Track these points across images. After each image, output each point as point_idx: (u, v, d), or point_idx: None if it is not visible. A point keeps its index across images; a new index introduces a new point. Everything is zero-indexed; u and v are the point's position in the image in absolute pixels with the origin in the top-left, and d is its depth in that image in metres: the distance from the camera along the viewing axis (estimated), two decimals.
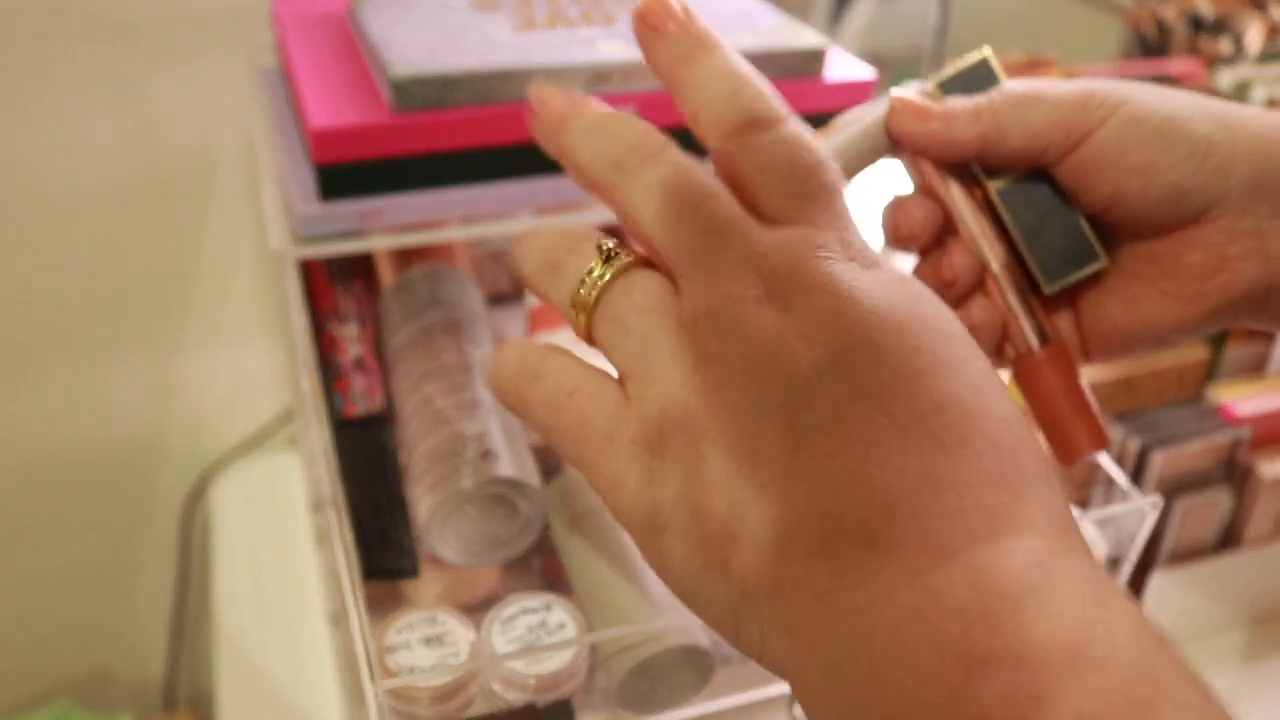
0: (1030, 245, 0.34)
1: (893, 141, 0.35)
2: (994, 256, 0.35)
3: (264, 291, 0.90)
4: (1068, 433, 0.34)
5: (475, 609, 0.44)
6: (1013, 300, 0.35)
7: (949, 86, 0.35)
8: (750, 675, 0.44)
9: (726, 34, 0.53)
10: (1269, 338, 0.79)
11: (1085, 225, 0.34)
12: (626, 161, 0.28)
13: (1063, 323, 0.37)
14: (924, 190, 0.36)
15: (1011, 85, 0.35)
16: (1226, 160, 0.33)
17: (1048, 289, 0.35)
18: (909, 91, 0.35)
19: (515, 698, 0.40)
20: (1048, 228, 0.34)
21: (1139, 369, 0.73)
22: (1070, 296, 0.36)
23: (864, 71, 0.55)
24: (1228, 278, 0.33)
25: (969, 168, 0.35)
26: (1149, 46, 1.03)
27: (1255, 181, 0.33)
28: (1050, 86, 0.34)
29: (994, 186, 0.35)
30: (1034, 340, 0.34)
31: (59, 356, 0.87)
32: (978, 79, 0.35)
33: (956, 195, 0.35)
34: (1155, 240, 0.34)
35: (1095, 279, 0.35)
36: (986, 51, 0.36)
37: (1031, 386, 0.35)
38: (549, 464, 0.50)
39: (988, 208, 0.35)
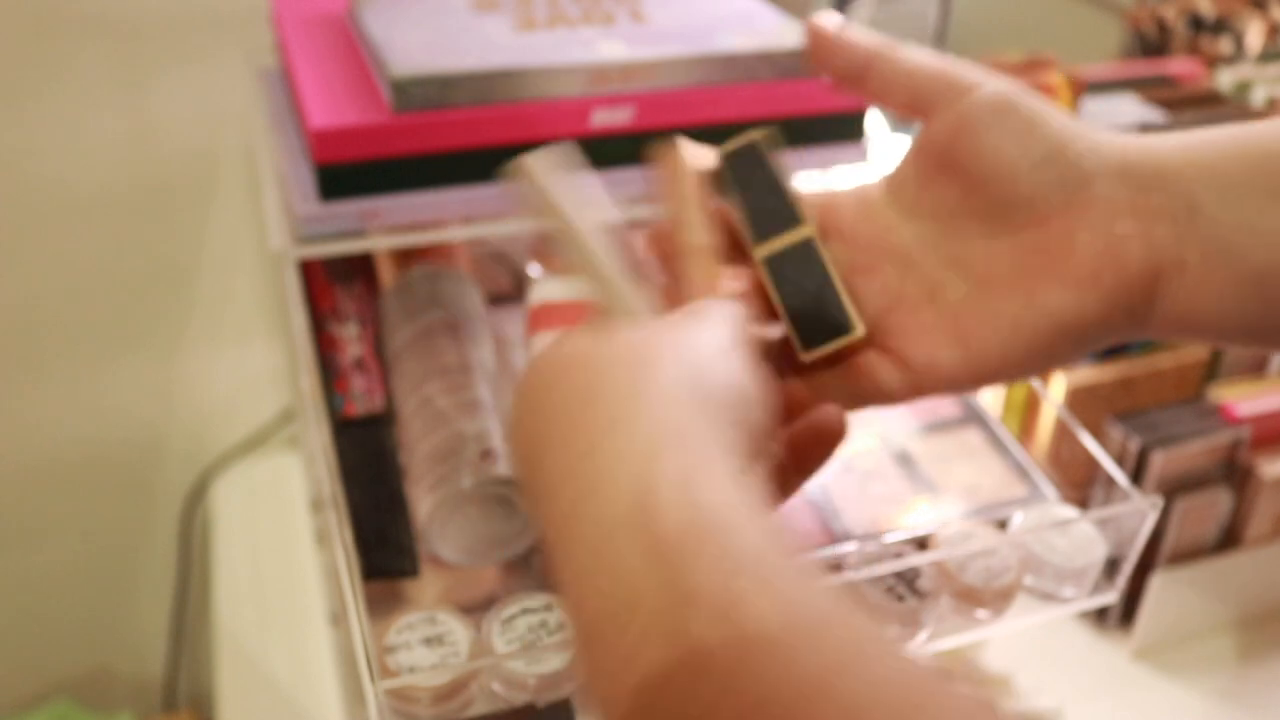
0: (791, 315, 0.37)
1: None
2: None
3: (264, 292, 0.90)
4: None
5: (475, 609, 0.44)
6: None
7: (735, 163, 0.39)
8: None
9: (726, 34, 0.53)
10: None
11: (845, 297, 0.36)
12: None
13: (946, 351, 0.36)
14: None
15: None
16: (1092, 146, 0.34)
17: (805, 357, 0.36)
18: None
19: (515, 697, 0.40)
20: (808, 300, 0.37)
21: (1139, 369, 0.73)
22: (954, 317, 0.36)
23: None
24: (1119, 256, 0.34)
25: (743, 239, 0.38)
26: (1149, 46, 1.03)
27: (1123, 167, 0.34)
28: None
29: (761, 254, 0.37)
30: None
31: (59, 356, 0.87)
32: (757, 161, 0.39)
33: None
34: (1042, 229, 0.35)
35: (981, 293, 0.36)
36: (764, 136, 0.39)
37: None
38: None
39: (758, 274, 0.37)
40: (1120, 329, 0.35)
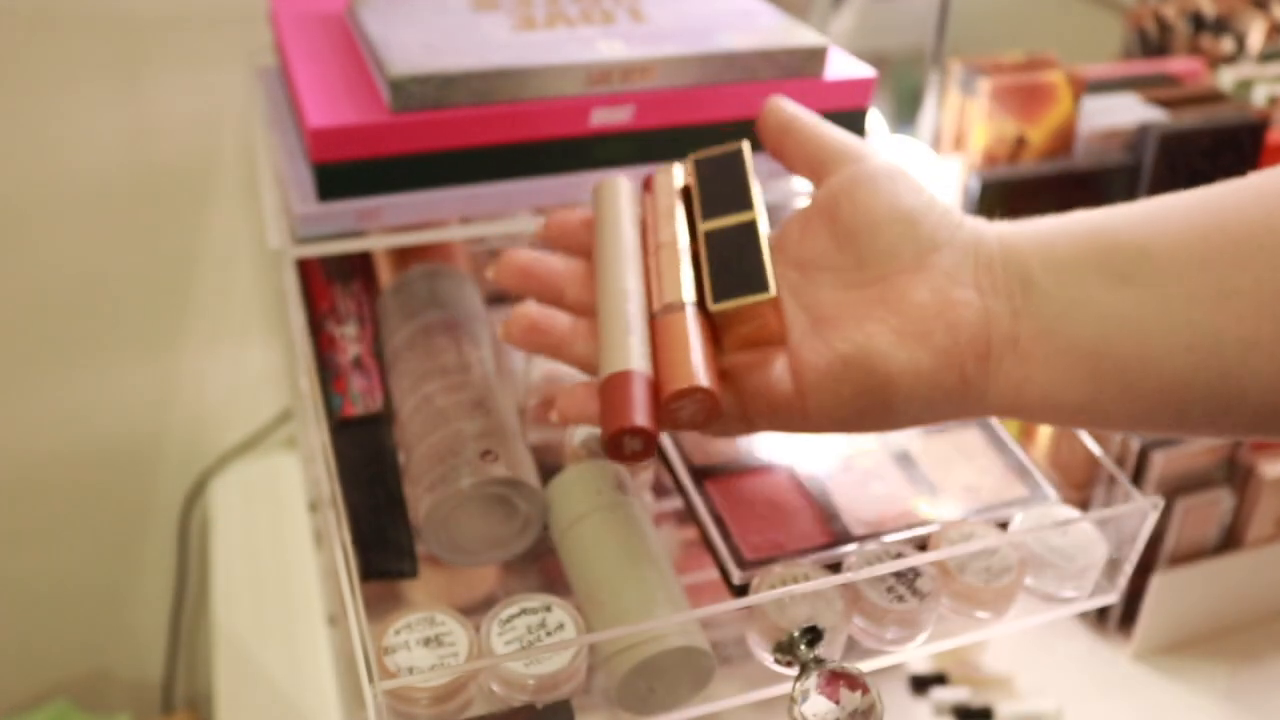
0: (714, 274, 0.40)
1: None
2: (681, 237, 0.42)
3: (263, 291, 0.90)
4: (675, 369, 0.37)
5: (474, 609, 0.44)
6: (685, 267, 0.41)
7: (703, 165, 0.44)
8: (750, 675, 0.44)
9: (726, 33, 0.53)
10: None
11: (768, 266, 0.39)
12: None
13: (777, 378, 0.38)
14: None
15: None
16: (953, 222, 0.38)
17: (712, 308, 0.39)
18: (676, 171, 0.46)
19: (514, 698, 0.40)
20: (733, 265, 0.40)
21: None
22: (792, 350, 0.38)
23: (864, 70, 0.55)
24: (952, 319, 0.36)
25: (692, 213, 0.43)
26: (1150, 45, 1.03)
27: (974, 244, 0.37)
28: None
29: (704, 228, 0.42)
30: (688, 295, 0.40)
31: (58, 357, 0.87)
32: (728, 165, 0.43)
33: (672, 208, 0.44)
34: (886, 284, 0.37)
35: (818, 336, 0.38)
36: (744, 146, 0.44)
37: (667, 331, 0.39)
38: (549, 464, 0.50)
39: (696, 241, 0.42)
40: (957, 397, 0.37)
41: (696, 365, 0.36)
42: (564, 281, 0.42)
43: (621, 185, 0.45)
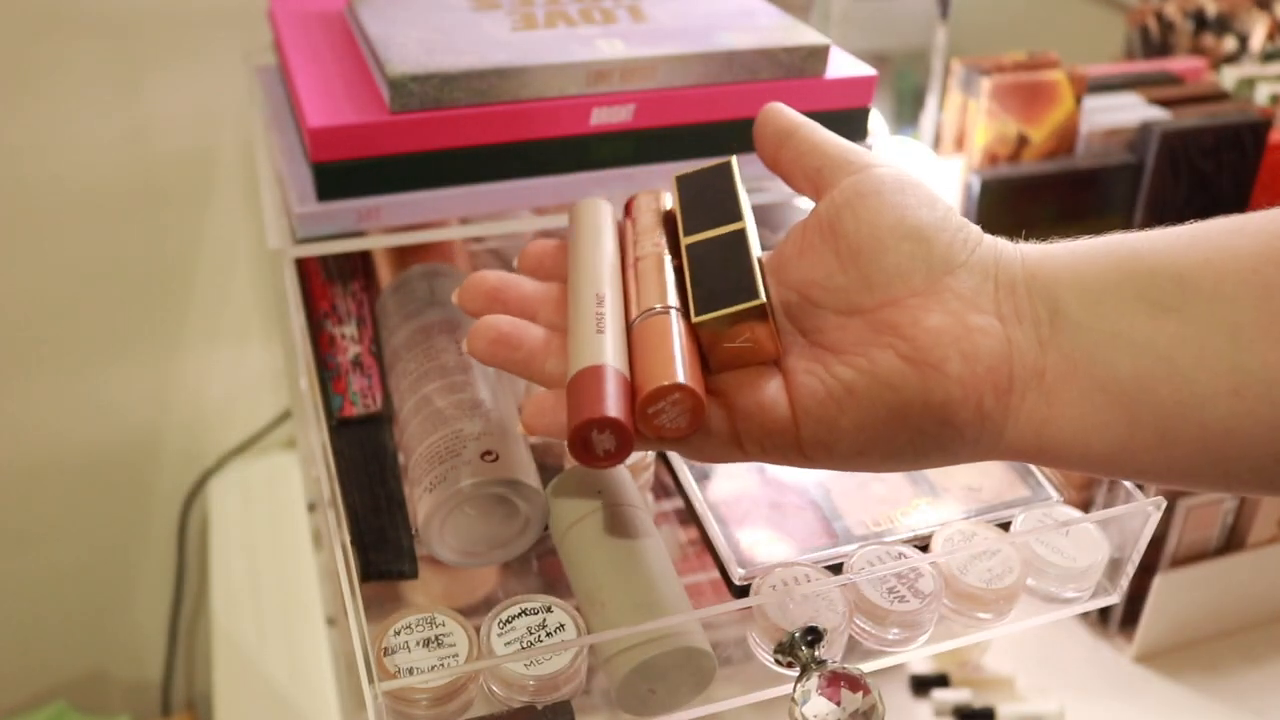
0: (695, 285, 0.36)
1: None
2: (663, 251, 0.39)
3: (262, 291, 0.90)
4: (652, 370, 0.34)
5: (474, 610, 0.44)
6: (667, 276, 0.38)
7: (686, 182, 0.41)
8: (751, 676, 0.44)
9: (726, 32, 0.53)
10: None
11: (757, 274, 0.36)
12: None
13: (771, 398, 0.34)
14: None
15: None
16: (970, 239, 0.34)
17: (697, 320, 0.35)
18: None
19: (514, 699, 0.40)
20: (717, 275, 0.36)
21: None
22: (788, 373, 0.35)
23: (864, 70, 0.55)
24: (969, 348, 0.32)
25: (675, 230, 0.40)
26: (1152, 44, 1.03)
27: (994, 265, 0.34)
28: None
29: (687, 241, 0.38)
30: (671, 300, 0.36)
31: (57, 357, 0.87)
32: (715, 180, 0.40)
33: (653, 225, 0.41)
34: (896, 307, 0.34)
35: (815, 357, 0.35)
36: (731, 160, 0.41)
37: (645, 335, 0.36)
38: (549, 464, 0.50)
39: (679, 258, 0.39)
40: (971, 434, 0.33)
41: (676, 363, 0.33)
42: (536, 305, 0.39)
43: (602, 206, 0.42)
